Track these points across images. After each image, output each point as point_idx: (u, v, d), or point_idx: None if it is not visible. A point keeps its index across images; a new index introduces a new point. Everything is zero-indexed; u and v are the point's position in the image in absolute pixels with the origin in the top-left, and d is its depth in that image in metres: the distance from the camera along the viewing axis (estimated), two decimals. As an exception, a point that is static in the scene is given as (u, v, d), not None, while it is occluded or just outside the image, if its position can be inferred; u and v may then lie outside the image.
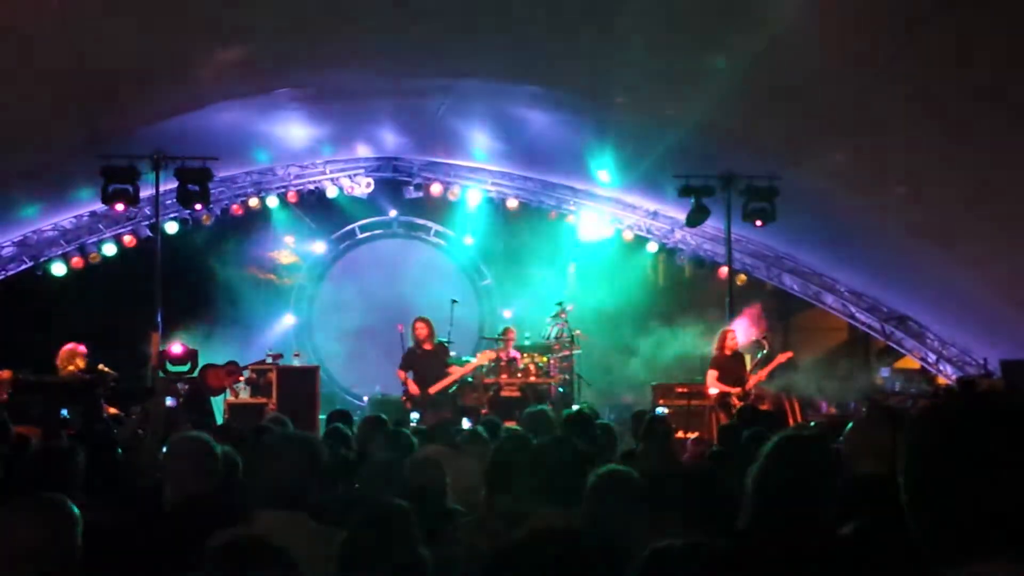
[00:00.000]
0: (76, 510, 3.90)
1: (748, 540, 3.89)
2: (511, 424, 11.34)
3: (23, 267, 17.41)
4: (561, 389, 16.14)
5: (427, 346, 14.29)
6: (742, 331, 15.15)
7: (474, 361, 15.38)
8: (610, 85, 13.34)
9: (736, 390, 13.88)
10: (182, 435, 5.65)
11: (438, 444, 7.54)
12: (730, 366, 14.23)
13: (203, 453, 5.38)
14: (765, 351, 14.65)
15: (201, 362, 14.74)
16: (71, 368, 13.52)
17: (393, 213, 19.58)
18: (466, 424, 10.44)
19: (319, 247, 19.38)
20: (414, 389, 14.07)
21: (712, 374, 14.22)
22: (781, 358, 14.56)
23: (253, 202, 18.16)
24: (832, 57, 11.23)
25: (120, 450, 7.53)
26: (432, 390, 14.02)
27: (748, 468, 4.08)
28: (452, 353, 15.10)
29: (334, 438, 8.01)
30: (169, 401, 13.59)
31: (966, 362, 17.74)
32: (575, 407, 13.01)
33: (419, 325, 14.42)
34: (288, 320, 19.16)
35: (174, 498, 5.23)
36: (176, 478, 5.31)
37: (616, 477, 4.58)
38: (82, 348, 13.64)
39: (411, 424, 12.12)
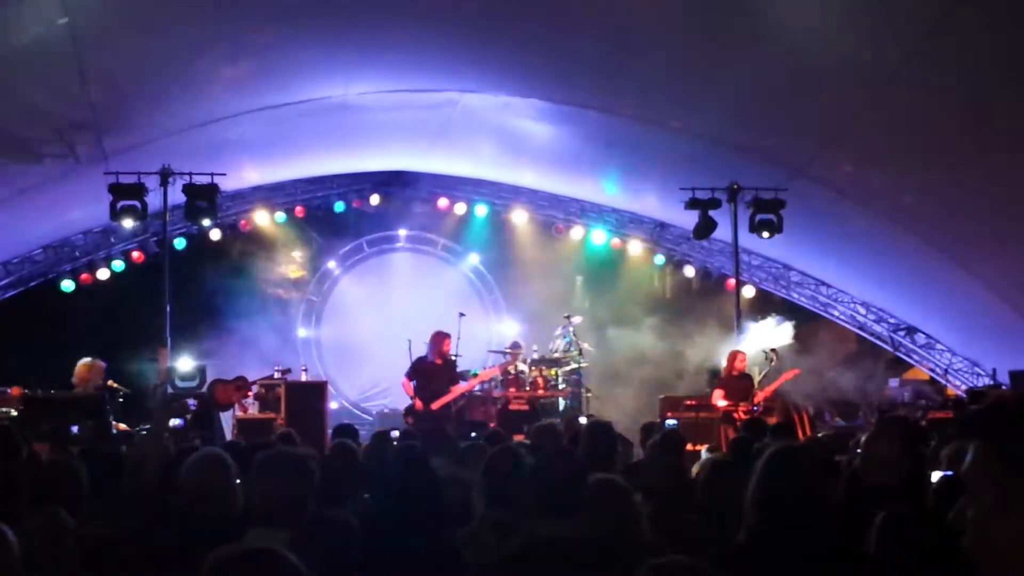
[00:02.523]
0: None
1: (747, 554, 3.89)
2: (520, 438, 11.33)
3: (32, 283, 17.44)
4: (569, 402, 16.13)
5: (438, 360, 14.22)
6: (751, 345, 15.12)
7: (478, 377, 15.33)
8: (616, 98, 13.34)
9: (744, 405, 13.85)
10: (200, 453, 5.65)
11: (440, 458, 7.31)
12: (736, 387, 14.21)
13: (218, 470, 5.39)
14: (773, 364, 14.61)
15: (209, 377, 14.71)
16: (89, 383, 13.53)
17: (403, 232, 19.58)
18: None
19: (327, 262, 19.39)
20: (419, 404, 13.99)
21: (718, 394, 14.23)
22: (788, 375, 14.50)
23: (261, 217, 18.20)
24: (840, 67, 11.23)
25: (125, 466, 7.49)
26: (435, 406, 13.92)
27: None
28: (465, 368, 15.06)
29: (340, 453, 7.95)
30: (176, 421, 13.53)
31: (975, 373, 17.69)
32: (582, 419, 12.99)
33: (446, 341, 14.33)
34: (296, 335, 19.16)
35: (192, 514, 5.24)
36: (190, 495, 5.32)
37: (614, 488, 4.57)
38: (101, 363, 13.67)
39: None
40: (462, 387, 14.58)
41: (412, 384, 14.19)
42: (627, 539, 4.30)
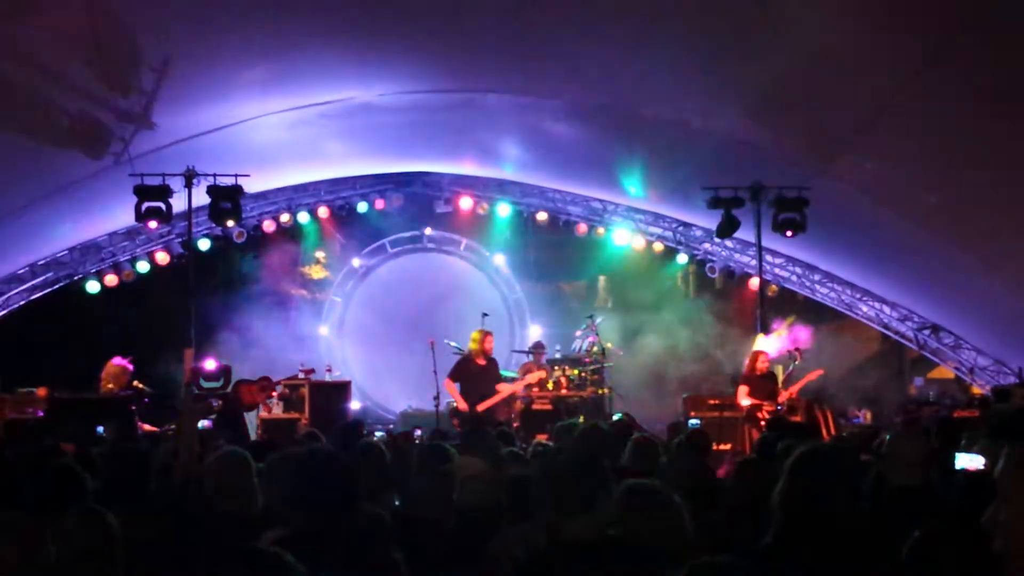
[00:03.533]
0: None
1: (774, 555, 3.87)
2: (543, 438, 11.33)
3: (58, 285, 17.55)
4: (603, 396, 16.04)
5: (481, 360, 14.03)
6: (773, 345, 15.05)
7: (523, 380, 15.17)
8: (638, 98, 13.30)
9: (768, 405, 13.78)
10: (221, 452, 5.68)
11: (476, 458, 7.32)
12: (761, 384, 14.12)
13: (242, 469, 5.40)
14: (797, 363, 14.55)
15: (234, 378, 14.75)
16: (117, 384, 13.60)
17: (429, 231, 19.61)
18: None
19: (350, 262, 19.44)
20: (463, 406, 13.78)
21: (743, 389, 14.14)
22: (812, 375, 14.42)
23: (284, 218, 18.27)
24: (864, 64, 11.17)
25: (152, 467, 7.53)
26: (481, 407, 13.57)
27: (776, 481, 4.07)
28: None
29: (368, 453, 7.93)
30: (204, 422, 13.55)
31: (1001, 371, 17.56)
32: (616, 416, 12.96)
33: (489, 338, 14.14)
34: (320, 335, 19.22)
35: (217, 513, 5.25)
36: (215, 494, 5.33)
37: (644, 490, 4.56)
38: (128, 364, 13.73)
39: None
40: (509, 388, 14.38)
41: (456, 386, 14.01)
42: (662, 540, 4.27)
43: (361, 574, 4.24)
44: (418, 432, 12.18)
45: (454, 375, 13.95)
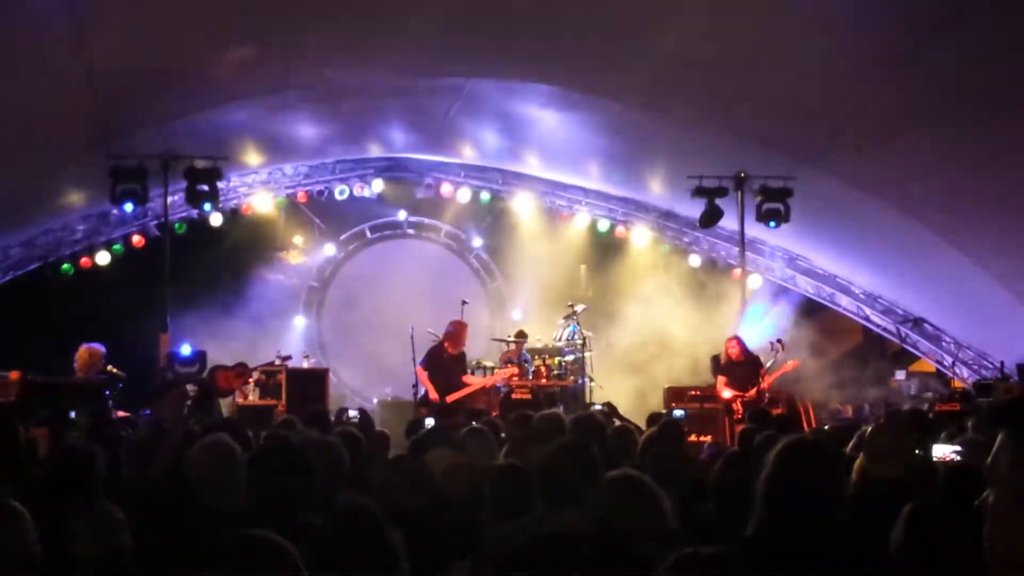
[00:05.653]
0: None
1: (758, 546, 3.85)
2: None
3: (31, 267, 17.31)
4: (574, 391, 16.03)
5: (453, 350, 14.02)
6: (754, 333, 15.05)
7: (494, 377, 15.20)
8: (623, 85, 13.22)
9: (746, 394, 13.81)
10: (206, 440, 5.56)
11: (442, 448, 7.30)
12: (738, 372, 14.15)
13: (227, 457, 5.27)
14: (778, 355, 14.53)
15: (210, 363, 14.65)
16: (90, 368, 13.41)
17: (407, 216, 19.44)
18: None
19: (328, 248, 19.27)
20: (435, 396, 13.78)
21: (720, 380, 14.19)
22: (788, 366, 14.44)
23: (262, 202, 18.06)
24: (849, 55, 11.11)
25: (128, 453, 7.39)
26: (450, 399, 13.69)
27: (758, 473, 4.06)
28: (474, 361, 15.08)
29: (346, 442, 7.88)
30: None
31: (982, 365, 17.58)
32: (597, 406, 12.92)
33: (466, 331, 14.16)
34: (297, 321, 19.05)
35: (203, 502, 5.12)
36: (200, 483, 5.20)
37: (629, 481, 4.57)
38: (100, 348, 13.53)
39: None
40: (479, 381, 14.45)
41: (427, 375, 13.96)
42: (645, 531, 4.29)
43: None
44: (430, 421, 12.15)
45: (427, 364, 13.94)
